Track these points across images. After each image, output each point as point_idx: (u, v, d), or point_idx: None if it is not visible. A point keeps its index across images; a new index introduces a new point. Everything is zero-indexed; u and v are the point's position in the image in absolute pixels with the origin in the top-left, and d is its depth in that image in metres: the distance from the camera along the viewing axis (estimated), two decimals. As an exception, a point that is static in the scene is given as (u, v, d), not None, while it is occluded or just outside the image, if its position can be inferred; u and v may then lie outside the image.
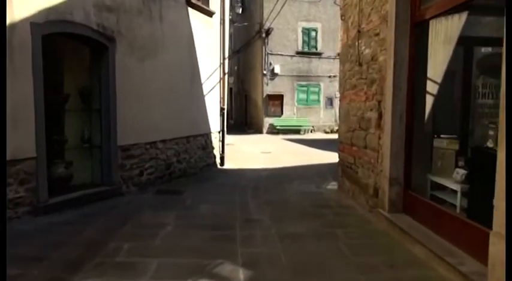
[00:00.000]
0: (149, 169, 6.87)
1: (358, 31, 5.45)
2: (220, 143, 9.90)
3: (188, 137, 8.24)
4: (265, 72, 20.19)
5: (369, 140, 5.23)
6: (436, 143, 4.17)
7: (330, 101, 21.48)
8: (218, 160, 9.85)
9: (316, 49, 20.93)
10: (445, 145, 4.06)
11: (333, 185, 7.25)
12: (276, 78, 20.40)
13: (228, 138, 18.53)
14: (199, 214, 5.05)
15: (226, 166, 10.11)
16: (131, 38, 6.21)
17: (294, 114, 20.95)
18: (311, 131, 20.88)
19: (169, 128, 7.45)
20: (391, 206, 4.23)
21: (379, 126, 4.79)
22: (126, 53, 6.08)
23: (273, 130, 20.30)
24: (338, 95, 19.50)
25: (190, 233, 4.10)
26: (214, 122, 9.58)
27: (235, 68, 27.01)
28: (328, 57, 21.10)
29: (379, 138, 4.77)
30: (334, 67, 20.62)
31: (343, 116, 6.55)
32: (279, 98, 20.55)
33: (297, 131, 20.58)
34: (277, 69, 20.18)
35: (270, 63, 20.21)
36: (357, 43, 5.56)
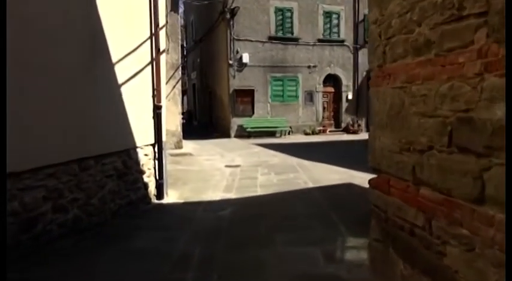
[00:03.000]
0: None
1: None
2: (157, 163, 6.17)
3: (83, 161, 4.49)
4: (231, 62, 16.51)
5: (493, 184, 1.67)
6: None
7: (309, 97, 18.05)
8: (153, 190, 6.13)
9: (292, 34, 17.43)
10: None
11: (354, 252, 3.75)
12: (245, 70, 16.77)
13: (188, 145, 14.76)
14: None
15: (170, 197, 6.41)
16: None
17: (268, 113, 17.39)
18: (289, 133, 17.38)
19: (33, 148, 3.72)
20: None
21: None
22: None
23: (243, 133, 16.66)
24: (319, 88, 16.05)
25: None
26: (144, 131, 5.86)
27: (198, 60, 23.20)
28: (307, 44, 17.66)
29: None
30: (314, 56, 17.24)
31: (382, 114, 3.13)
32: (249, 93, 16.93)
33: (272, 134, 17.03)
34: (245, 59, 16.55)
35: (237, 51, 16.55)
36: None
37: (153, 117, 6.06)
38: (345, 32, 18.32)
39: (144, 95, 5.90)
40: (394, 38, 2.88)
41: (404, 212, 2.82)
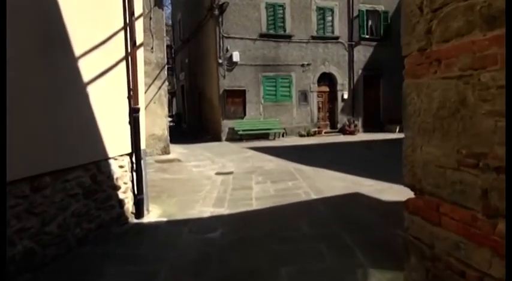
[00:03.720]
0: None
1: None
2: (135, 176, 5.27)
3: (35, 179, 3.58)
4: (220, 61, 15.63)
5: None
6: None
7: (304, 96, 17.24)
8: (131, 207, 5.23)
9: (285, 31, 16.61)
10: None
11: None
12: (236, 69, 15.90)
13: (176, 150, 13.81)
14: None
15: (151, 215, 5.51)
16: None
17: (260, 114, 16.54)
18: (283, 135, 16.54)
19: None
20: None
21: None
22: None
23: (235, 136, 15.77)
24: (314, 88, 15.24)
25: None
26: (118, 138, 4.96)
27: (186, 61, 22.26)
28: (300, 41, 16.86)
29: None
30: (307, 53, 16.44)
31: (427, 115, 2.31)
32: (240, 94, 16.06)
33: (265, 136, 16.18)
34: (236, 57, 15.68)
35: (227, 50, 15.67)
36: None
37: (130, 122, 5.16)
38: (340, 28, 17.56)
39: (118, 96, 5.00)
40: (448, 8, 2.04)
41: (468, 254, 1.99)
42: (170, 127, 27.13)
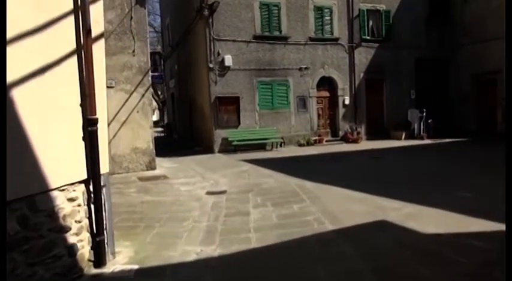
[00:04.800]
0: None
1: None
2: (94, 210, 3.90)
3: None
4: (211, 65, 14.30)
5: None
6: None
7: (302, 103, 15.95)
8: (88, 254, 3.86)
9: (280, 32, 15.36)
10: None
11: None
12: (228, 74, 14.58)
13: (163, 164, 12.34)
14: None
15: (118, 259, 4.15)
16: None
17: (256, 123, 15.20)
18: (281, 145, 15.21)
19: None
20: None
21: None
22: None
23: (228, 147, 14.41)
24: (313, 93, 13.98)
25: None
26: (66, 161, 3.61)
27: (176, 67, 20.96)
28: (297, 43, 15.60)
29: None
30: (305, 56, 15.23)
31: None
32: (234, 101, 14.73)
33: (262, 147, 14.84)
34: (228, 61, 14.36)
35: (218, 53, 14.36)
36: None
37: (84, 138, 3.82)
38: (339, 29, 16.36)
39: (68, 103, 3.67)
40: None
41: None
42: (161, 138, 25.86)
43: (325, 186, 7.65)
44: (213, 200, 6.99)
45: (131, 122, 10.54)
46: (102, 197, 3.97)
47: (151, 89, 11.16)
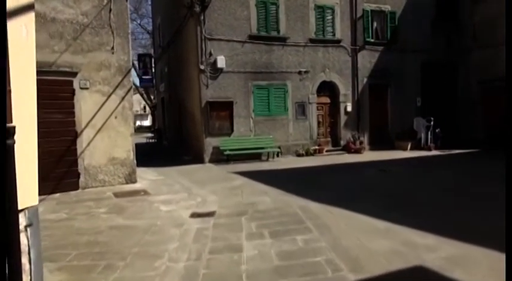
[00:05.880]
0: None
1: None
2: (8, 268, 2.60)
3: None
4: (202, 67, 13.04)
5: None
6: None
7: (301, 109, 14.72)
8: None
9: (278, 32, 14.16)
10: None
11: None
12: (221, 77, 13.33)
13: (146, 176, 10.92)
14: None
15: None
16: None
17: (251, 130, 13.93)
18: (278, 155, 13.94)
19: None
20: None
21: None
22: None
23: (220, 157, 13.11)
24: (313, 99, 12.76)
25: None
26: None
27: (166, 69, 19.69)
28: (296, 45, 14.42)
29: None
30: (305, 59, 14.04)
31: None
32: (227, 106, 13.45)
33: (257, 157, 13.57)
34: (221, 63, 13.12)
35: (210, 54, 13.11)
36: None
37: (-8, 156, 2.51)
38: (341, 30, 15.22)
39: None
40: None
41: None
42: (150, 144, 24.48)
43: (334, 209, 6.39)
44: (198, 226, 5.71)
45: (108, 128, 9.22)
46: (24, 247, 2.66)
47: (132, 92, 9.84)
